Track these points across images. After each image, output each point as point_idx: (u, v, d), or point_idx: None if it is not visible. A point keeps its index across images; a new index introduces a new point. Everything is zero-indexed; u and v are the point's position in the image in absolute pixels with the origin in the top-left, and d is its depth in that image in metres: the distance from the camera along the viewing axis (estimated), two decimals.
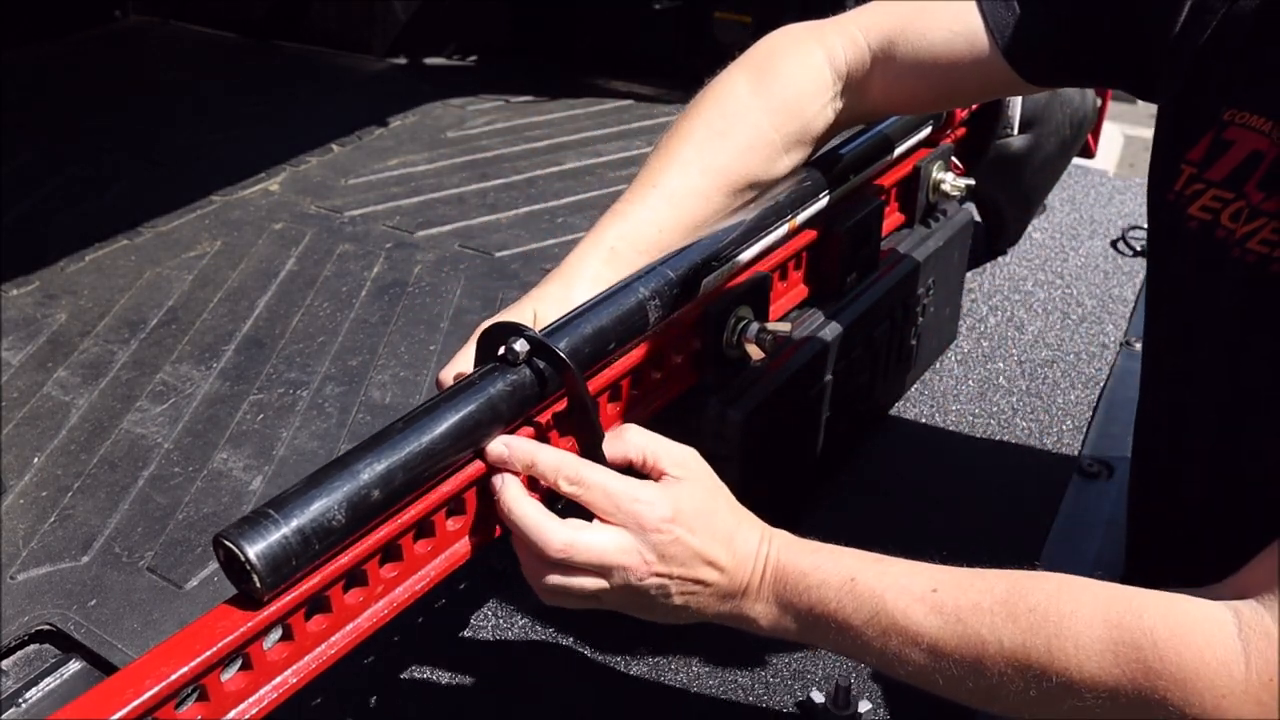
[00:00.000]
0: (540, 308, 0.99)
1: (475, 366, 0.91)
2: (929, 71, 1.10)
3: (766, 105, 1.11)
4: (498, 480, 0.85)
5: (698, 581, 0.84)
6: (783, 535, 0.88)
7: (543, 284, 1.04)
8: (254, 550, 0.71)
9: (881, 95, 1.14)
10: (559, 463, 0.84)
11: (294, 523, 0.73)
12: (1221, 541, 0.88)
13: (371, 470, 0.78)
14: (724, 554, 0.84)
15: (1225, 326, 0.88)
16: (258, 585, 0.72)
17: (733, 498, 0.90)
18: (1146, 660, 0.71)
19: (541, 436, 0.92)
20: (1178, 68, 0.94)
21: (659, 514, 0.82)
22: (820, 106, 1.14)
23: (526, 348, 0.86)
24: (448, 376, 0.95)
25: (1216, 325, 0.89)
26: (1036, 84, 1.12)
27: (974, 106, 1.59)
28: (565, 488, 0.83)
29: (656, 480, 0.86)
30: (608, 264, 1.03)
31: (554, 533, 0.81)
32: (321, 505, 0.75)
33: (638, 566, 0.82)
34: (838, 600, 0.82)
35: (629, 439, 0.88)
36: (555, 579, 0.83)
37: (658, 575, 0.83)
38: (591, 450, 0.90)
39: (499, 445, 0.85)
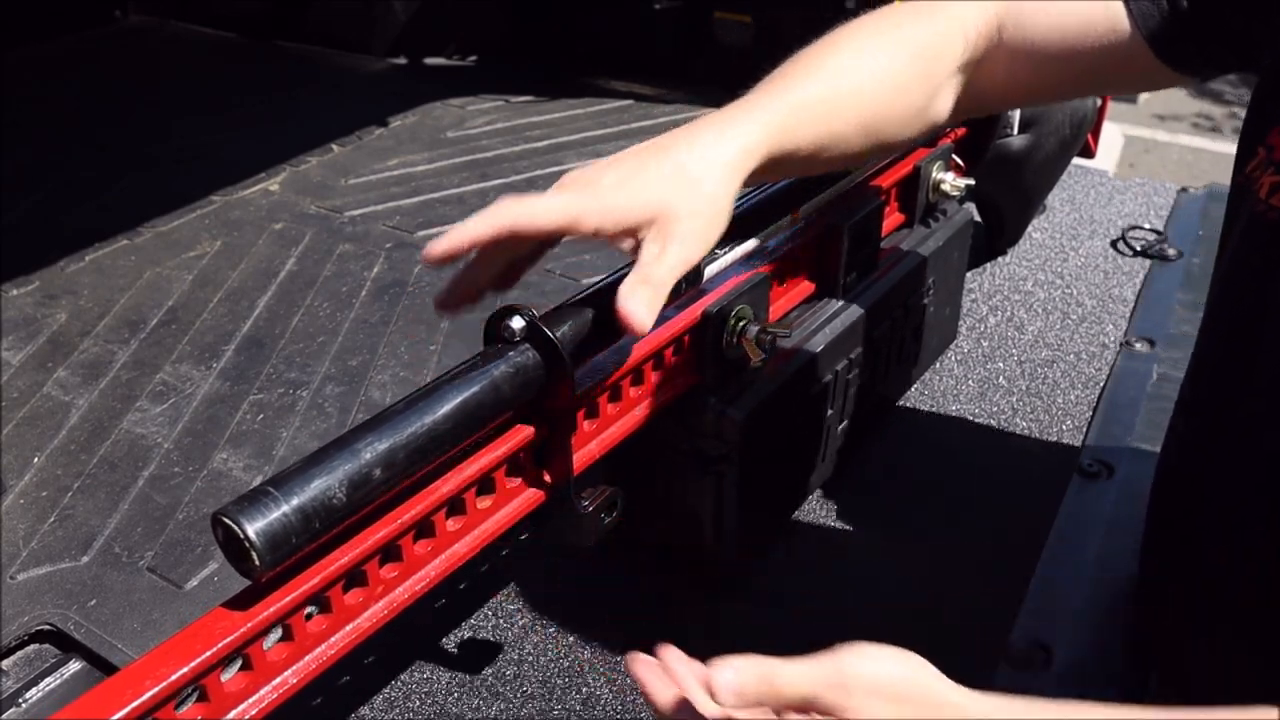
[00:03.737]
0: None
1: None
2: (1059, 50, 0.98)
3: (910, 51, 0.99)
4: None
5: None
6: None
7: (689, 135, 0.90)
8: (253, 528, 0.70)
9: (1005, 74, 1.02)
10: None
11: (294, 500, 0.73)
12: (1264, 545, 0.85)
13: (373, 449, 0.78)
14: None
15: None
16: (257, 564, 0.71)
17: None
18: None
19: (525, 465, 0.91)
20: None
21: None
22: (948, 74, 1.01)
23: (521, 324, 0.87)
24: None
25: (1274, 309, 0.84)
26: (1179, 70, 0.98)
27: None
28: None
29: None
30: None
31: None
32: (322, 483, 0.74)
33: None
34: None
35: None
36: None
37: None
38: (563, 454, 0.91)
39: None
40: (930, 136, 1.08)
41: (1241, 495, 0.91)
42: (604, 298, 0.97)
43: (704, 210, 0.87)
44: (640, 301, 0.84)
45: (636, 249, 0.87)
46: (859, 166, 1.05)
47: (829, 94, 0.96)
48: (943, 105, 1.03)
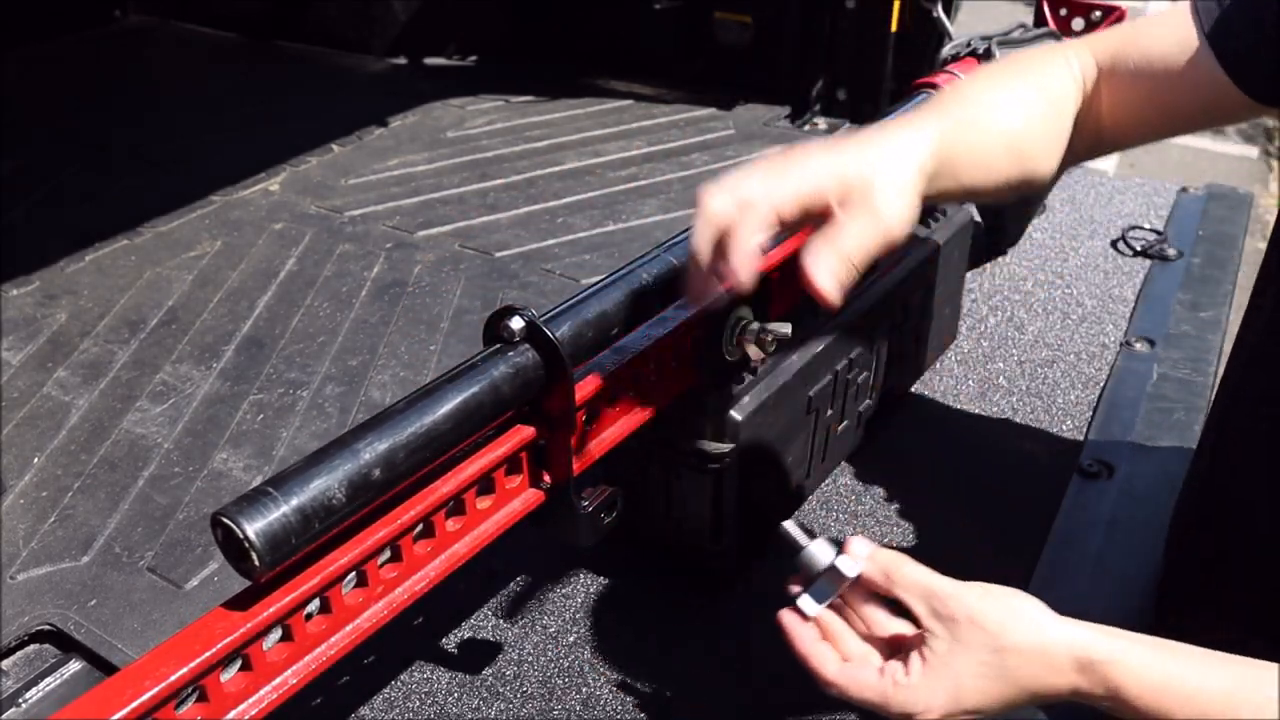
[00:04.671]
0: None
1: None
2: (1150, 88, 1.03)
3: (1037, 100, 1.05)
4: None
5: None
6: (1121, 663, 0.76)
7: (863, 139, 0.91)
8: (253, 528, 0.70)
9: (1109, 113, 1.08)
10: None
11: (294, 501, 0.73)
12: None
13: (373, 450, 0.78)
14: (1028, 697, 0.79)
15: None
16: (256, 564, 0.71)
17: (1030, 622, 0.79)
18: None
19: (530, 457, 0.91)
20: None
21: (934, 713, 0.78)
22: (1071, 115, 1.07)
23: (521, 325, 0.87)
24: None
25: None
26: (1265, 103, 0.99)
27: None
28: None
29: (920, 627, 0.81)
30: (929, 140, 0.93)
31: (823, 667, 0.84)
32: (322, 484, 0.74)
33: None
34: None
35: (906, 579, 0.83)
36: None
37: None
38: (563, 454, 0.91)
39: (865, 564, 0.84)
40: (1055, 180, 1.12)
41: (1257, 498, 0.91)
42: (604, 298, 0.97)
43: (901, 182, 0.86)
44: (825, 270, 0.81)
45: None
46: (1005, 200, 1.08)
47: (983, 117, 1.00)
48: (1070, 145, 1.07)
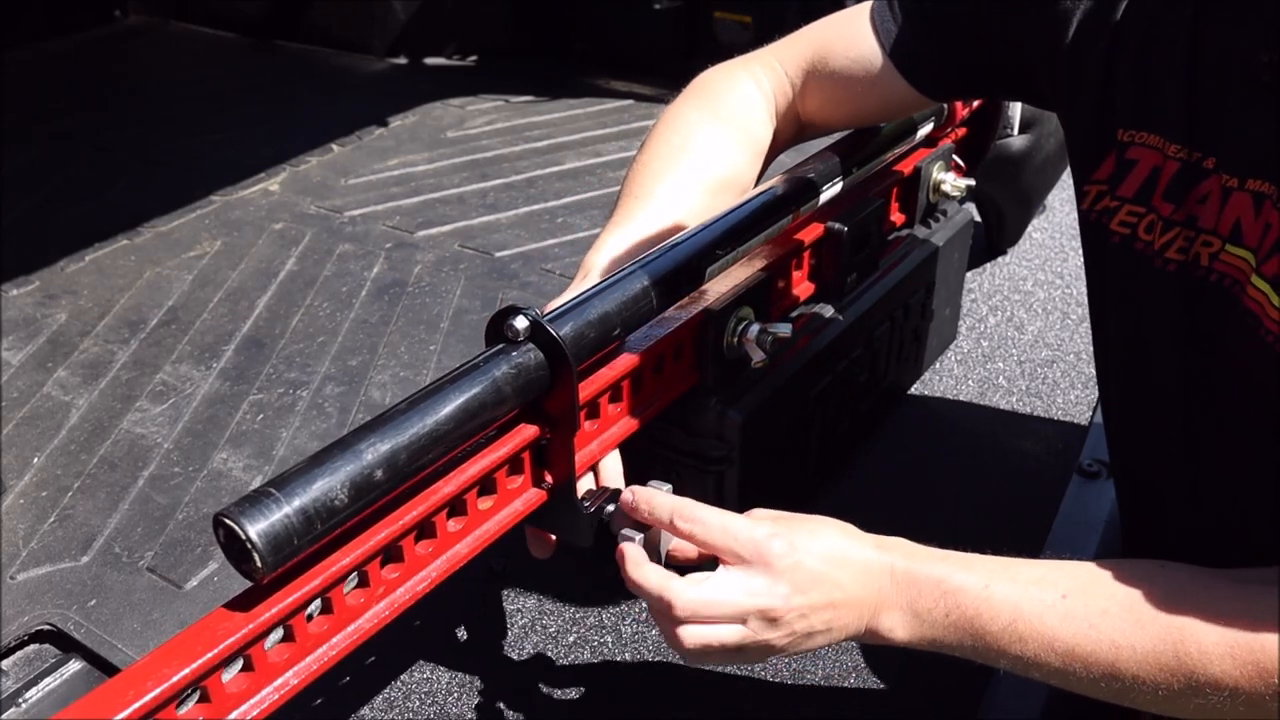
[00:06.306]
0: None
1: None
2: (842, 98, 1.19)
3: (715, 119, 1.20)
4: (621, 548, 0.89)
5: (829, 605, 0.85)
6: (902, 544, 0.88)
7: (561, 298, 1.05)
8: (255, 529, 0.70)
9: (809, 119, 1.24)
10: (673, 505, 0.87)
11: (296, 502, 0.72)
12: (1211, 540, 0.90)
13: (375, 450, 0.77)
14: (845, 574, 0.85)
15: (1162, 334, 0.89)
16: (259, 565, 0.70)
17: (834, 522, 0.90)
18: (1260, 662, 0.76)
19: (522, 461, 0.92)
20: (1075, 81, 0.95)
21: (780, 544, 0.83)
22: (761, 122, 1.22)
23: (525, 324, 0.87)
24: None
25: (1155, 333, 0.90)
26: (940, 99, 1.19)
27: (974, 105, 1.59)
28: (682, 526, 0.85)
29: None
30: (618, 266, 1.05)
31: (679, 592, 0.83)
32: (324, 484, 0.74)
33: (774, 602, 0.82)
34: (974, 609, 0.83)
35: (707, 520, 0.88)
36: (694, 637, 0.83)
37: (795, 607, 0.83)
38: (564, 454, 0.91)
39: (626, 494, 0.90)
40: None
41: (1199, 501, 0.94)
42: (605, 298, 0.97)
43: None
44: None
45: None
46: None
47: (670, 189, 1.16)
48: (763, 142, 1.23)
